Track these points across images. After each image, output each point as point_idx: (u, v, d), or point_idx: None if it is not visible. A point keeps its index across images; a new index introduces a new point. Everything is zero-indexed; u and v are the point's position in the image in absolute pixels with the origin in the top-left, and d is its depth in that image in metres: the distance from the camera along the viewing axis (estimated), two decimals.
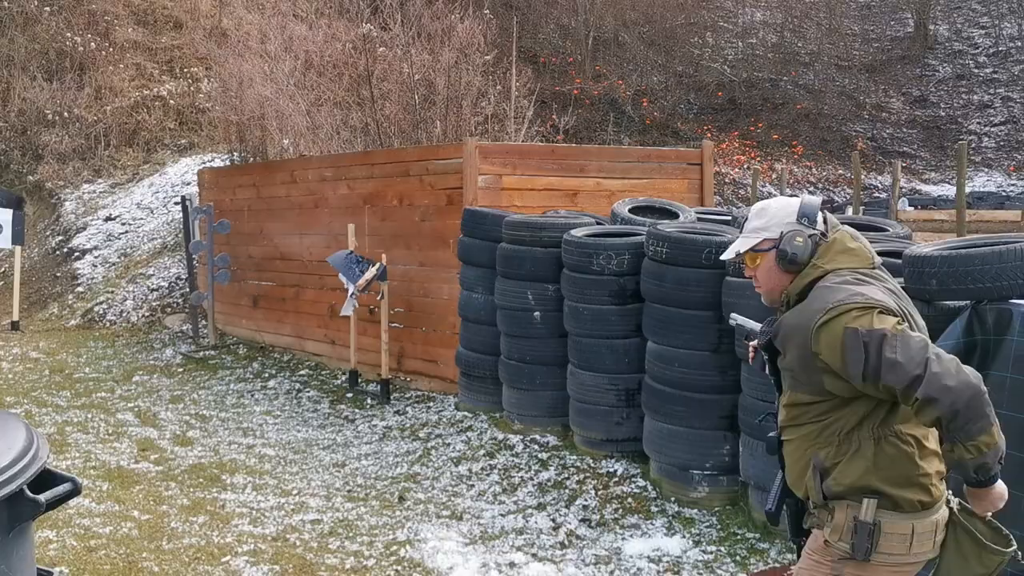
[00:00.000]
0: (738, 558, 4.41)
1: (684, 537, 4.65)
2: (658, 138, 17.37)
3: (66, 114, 14.49)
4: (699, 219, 6.22)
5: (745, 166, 16.23)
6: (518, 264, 5.95)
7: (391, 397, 7.27)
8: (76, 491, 1.46)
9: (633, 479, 5.24)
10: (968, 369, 2.13)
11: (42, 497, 1.38)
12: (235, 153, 11.76)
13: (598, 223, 6.22)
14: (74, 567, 4.17)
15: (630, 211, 6.32)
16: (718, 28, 21.59)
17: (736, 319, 2.85)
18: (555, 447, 5.74)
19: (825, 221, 2.34)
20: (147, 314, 10.62)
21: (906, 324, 2.19)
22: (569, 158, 7.63)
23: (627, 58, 19.72)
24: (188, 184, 12.95)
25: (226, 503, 5.10)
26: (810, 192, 16.17)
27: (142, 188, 13.35)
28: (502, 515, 4.96)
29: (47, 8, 15.50)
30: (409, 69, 8.76)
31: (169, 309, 10.67)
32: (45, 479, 1.41)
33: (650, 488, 5.13)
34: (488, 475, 5.52)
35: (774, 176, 15.40)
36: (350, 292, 7.32)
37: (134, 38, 16.52)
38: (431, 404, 7.01)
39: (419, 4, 11.16)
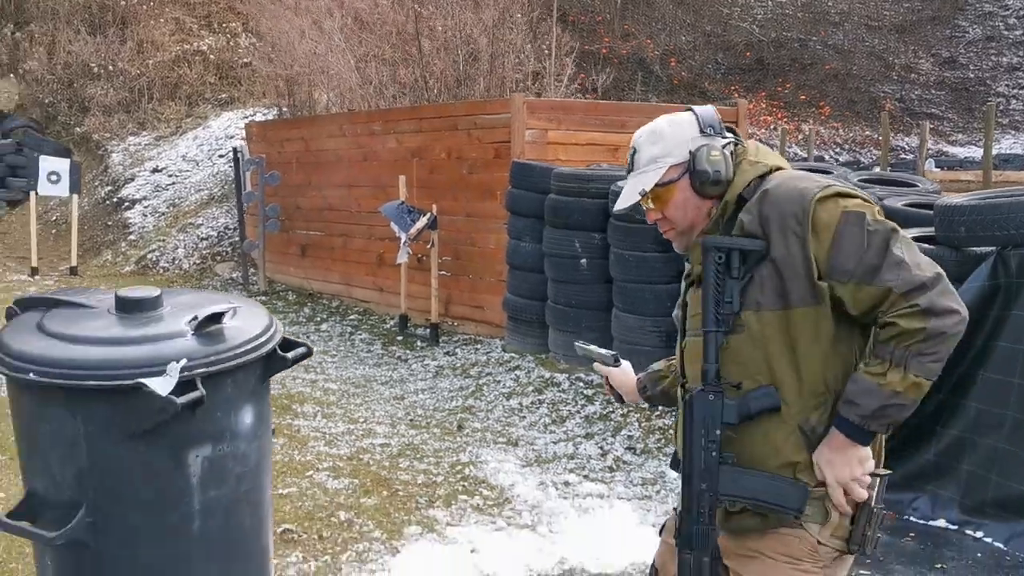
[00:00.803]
0: None
1: None
2: (685, 98, 17.55)
3: (110, 67, 14.88)
4: None
5: (772, 127, 16.43)
6: (566, 214, 6.35)
7: (440, 340, 7.72)
8: (310, 353, 1.89)
9: (672, 413, 5.67)
10: None
11: (289, 355, 1.81)
12: (280, 108, 12.13)
13: None
14: None
15: None
16: None
17: (582, 347, 2.31)
18: (599, 385, 6.17)
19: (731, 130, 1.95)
20: (198, 262, 11.09)
21: None
22: (610, 114, 7.97)
23: (656, 17, 19.84)
24: (231, 137, 13.35)
25: (300, 428, 5.57)
26: (837, 154, 16.41)
27: (186, 141, 13.76)
28: (553, 443, 5.41)
29: None
30: (453, 27, 9.09)
31: (219, 257, 11.14)
32: (286, 344, 1.84)
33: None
34: (538, 408, 5.96)
35: (801, 137, 15.62)
36: (402, 240, 7.73)
37: None
38: (479, 346, 7.46)
39: None
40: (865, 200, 1.78)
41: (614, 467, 5.06)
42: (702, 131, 1.89)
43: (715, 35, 19.67)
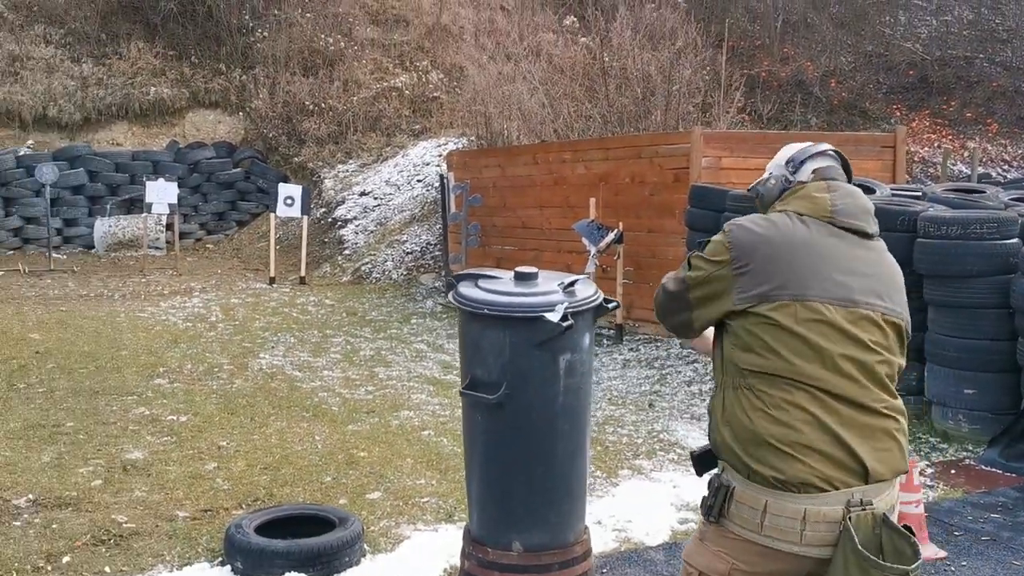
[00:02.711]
0: (922, 453, 5.81)
1: None
2: (845, 118, 18.07)
3: (322, 104, 17.04)
4: (893, 194, 7.51)
5: (936, 145, 16.72)
6: None
7: (624, 339, 8.97)
8: (618, 307, 3.18)
9: (914, 430, 6.59)
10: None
11: (609, 306, 3.10)
12: (471, 137, 13.73)
13: None
14: (434, 431, 6.08)
15: None
16: (911, 6, 21.77)
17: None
18: None
19: (816, 171, 2.33)
20: (404, 273, 12.80)
21: (709, 268, 2.23)
22: (777, 142, 8.99)
23: (816, 39, 20.41)
24: (427, 164, 15.12)
25: None
26: (1004, 171, 16.54)
27: (388, 168, 15.64)
28: None
29: (308, 15, 18.12)
30: (634, 67, 10.37)
31: (422, 269, 12.81)
32: (607, 300, 3.14)
33: (932, 437, 6.47)
34: None
35: (966, 154, 15.91)
36: (592, 253, 9.04)
37: (371, 36, 18.97)
38: (659, 344, 8.66)
39: (635, 3, 12.72)
40: (694, 261, 2.27)
41: None
42: (786, 163, 2.36)
43: (876, 55, 20.02)
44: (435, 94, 17.62)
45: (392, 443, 5.83)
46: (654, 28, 10.45)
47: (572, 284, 3.00)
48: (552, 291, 2.95)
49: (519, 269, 3.08)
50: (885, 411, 2.18)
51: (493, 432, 3.02)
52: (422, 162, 15.21)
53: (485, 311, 2.91)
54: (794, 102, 18.40)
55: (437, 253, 12.76)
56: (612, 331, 9.15)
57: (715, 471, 2.27)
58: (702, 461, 2.33)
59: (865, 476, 2.12)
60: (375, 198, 14.93)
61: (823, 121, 17.60)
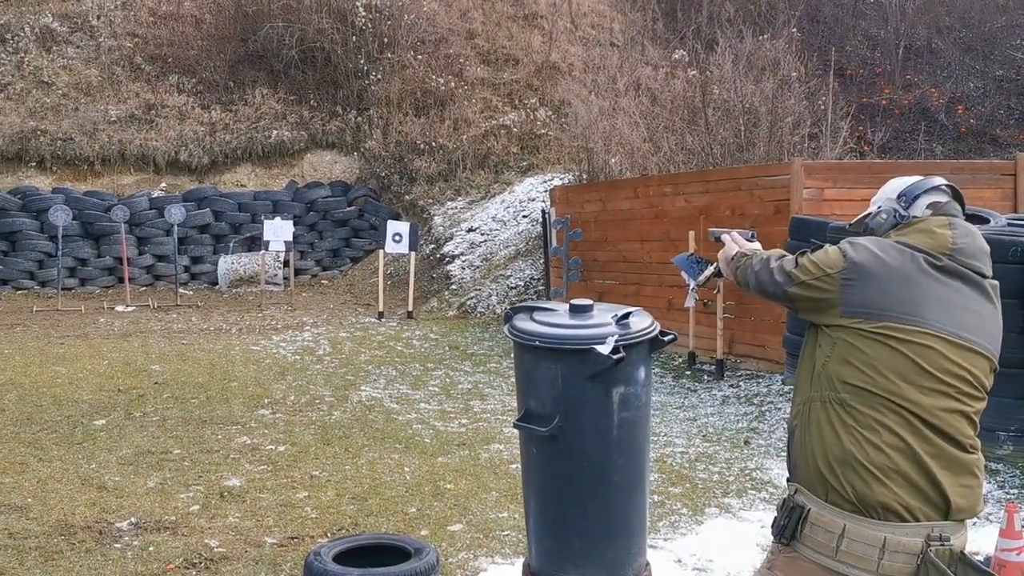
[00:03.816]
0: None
1: (990, 483, 5.73)
2: (974, 146, 17.30)
3: (432, 143, 17.49)
4: (1009, 224, 7.12)
5: None
6: None
7: (725, 374, 8.77)
8: (674, 339, 3.15)
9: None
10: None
11: (665, 339, 3.07)
12: (577, 173, 13.81)
13: None
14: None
15: None
16: None
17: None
18: None
19: (931, 205, 2.33)
20: (508, 307, 12.92)
21: (820, 268, 2.25)
22: (884, 172, 8.70)
23: (940, 65, 19.67)
24: (533, 200, 15.28)
25: None
26: None
27: (495, 204, 15.88)
28: None
29: (420, 57, 18.69)
30: (736, 99, 10.24)
31: (514, 306, 12.90)
32: (662, 333, 3.11)
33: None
34: None
35: None
36: (691, 288, 8.89)
37: (481, 75, 19.39)
38: (760, 380, 8.43)
39: (733, 34, 12.60)
40: (803, 262, 2.34)
41: None
42: (898, 197, 2.39)
43: (1007, 79, 19.15)
44: (542, 131, 17.82)
45: (479, 476, 5.87)
46: (756, 58, 10.30)
47: (626, 316, 2.99)
48: (605, 323, 2.94)
49: (574, 301, 3.08)
50: (972, 448, 2.15)
51: (547, 465, 3.02)
52: (528, 198, 15.38)
53: (537, 343, 2.92)
54: (917, 130, 17.75)
55: (540, 288, 12.83)
56: (713, 367, 8.96)
57: (787, 495, 2.24)
58: None
59: (946, 511, 2.09)
60: (482, 234, 15.17)
61: (949, 149, 16.91)
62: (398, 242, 13.20)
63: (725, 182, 9.42)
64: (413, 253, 13.43)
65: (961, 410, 2.13)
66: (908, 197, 2.35)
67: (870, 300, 2.14)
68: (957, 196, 2.41)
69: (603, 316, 2.99)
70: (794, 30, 14.82)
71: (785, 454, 2.38)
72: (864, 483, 2.06)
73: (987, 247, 2.30)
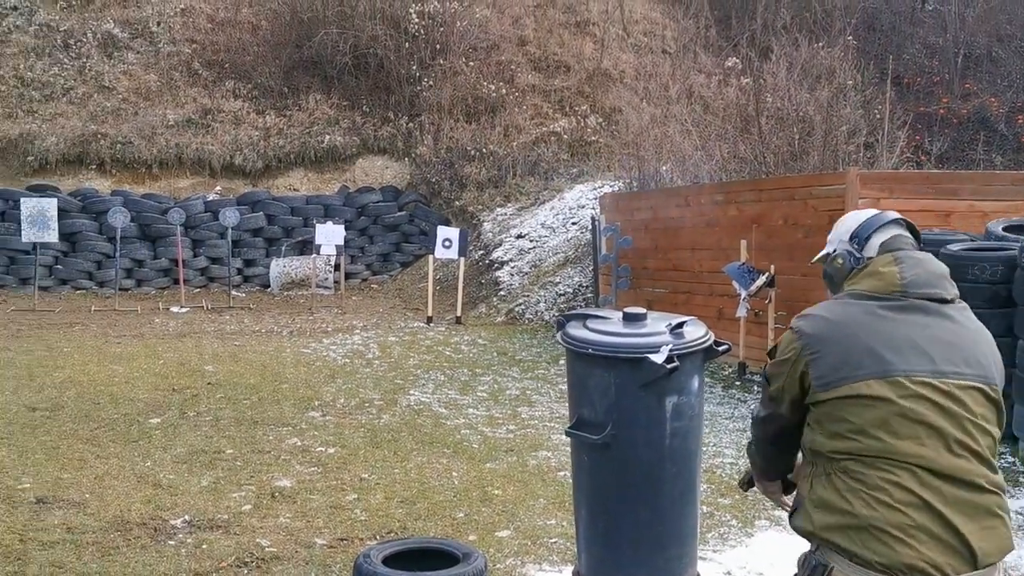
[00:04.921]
0: None
1: None
2: None
3: (483, 150, 17.56)
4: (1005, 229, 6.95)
5: None
6: None
7: None
8: (729, 350, 3.12)
9: (1002, 455, 6.19)
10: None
11: (720, 348, 3.05)
12: (628, 180, 13.76)
13: (971, 240, 7.17)
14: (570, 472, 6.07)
15: (1004, 229, 7.19)
16: None
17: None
18: None
19: (883, 243, 2.29)
20: (556, 314, 12.90)
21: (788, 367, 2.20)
22: (942, 183, 8.54)
23: (1000, 74, 19.25)
24: (582, 207, 15.25)
25: None
26: None
27: (544, 211, 15.89)
28: None
29: (472, 63, 18.81)
30: (790, 107, 10.13)
31: (567, 312, 12.87)
32: (716, 343, 3.09)
33: (1018, 464, 6.07)
34: None
35: None
36: (742, 297, 8.82)
37: (532, 82, 19.44)
38: None
39: (788, 42, 12.46)
40: (769, 372, 2.31)
41: None
42: (851, 238, 2.34)
43: None
44: (593, 138, 17.80)
45: (527, 482, 5.87)
46: (811, 67, 10.18)
47: (680, 325, 2.97)
48: (659, 332, 2.92)
49: (628, 309, 3.07)
50: (989, 487, 2.06)
51: (599, 473, 3.01)
52: (577, 205, 15.36)
53: (590, 351, 2.92)
54: (976, 140, 17.37)
55: (589, 295, 12.80)
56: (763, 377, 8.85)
57: (807, 548, 2.17)
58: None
59: (973, 561, 2.02)
60: (531, 240, 15.18)
61: (1009, 160, 16.54)
62: (448, 247, 13.27)
63: (778, 191, 9.31)
64: (462, 259, 13.49)
65: (966, 449, 2.04)
66: (860, 238, 2.31)
67: (836, 366, 2.09)
68: (911, 228, 2.36)
69: (657, 325, 2.98)
70: (850, 38, 14.61)
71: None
72: (886, 546, 1.99)
73: (944, 270, 2.23)
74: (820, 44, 12.88)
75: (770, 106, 10.58)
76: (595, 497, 3.05)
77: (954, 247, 6.71)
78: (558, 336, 3.13)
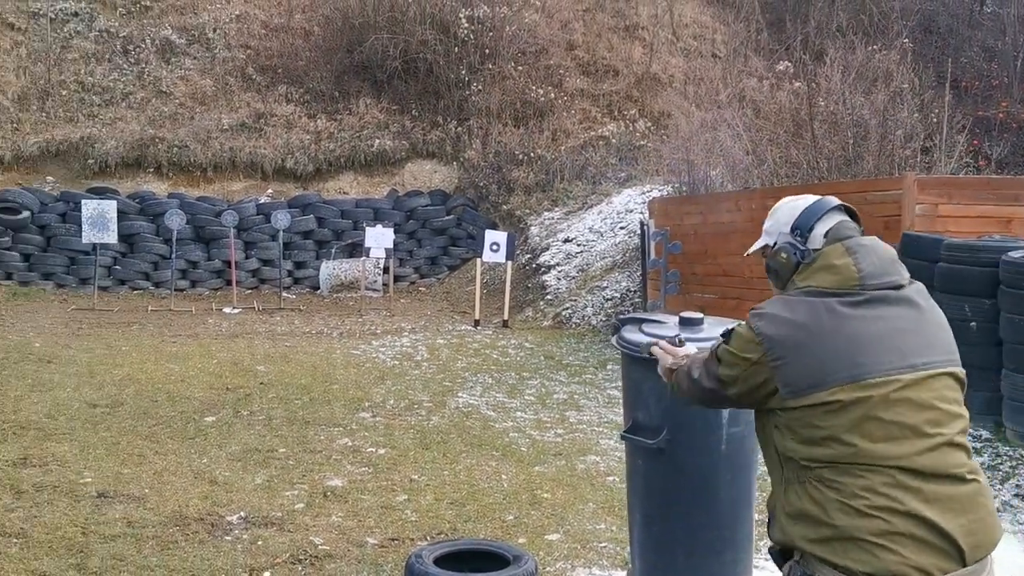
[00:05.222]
0: None
1: None
2: None
3: (531, 154, 17.60)
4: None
5: None
6: (957, 281, 6.97)
7: None
8: None
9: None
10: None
11: None
12: (677, 185, 13.69)
13: None
14: (619, 477, 6.06)
15: None
16: None
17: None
18: (988, 439, 6.67)
19: (828, 232, 2.21)
20: (604, 319, 12.88)
21: (746, 360, 2.12)
22: (1003, 188, 8.36)
23: None
24: (631, 212, 15.20)
25: None
26: None
27: (592, 215, 15.86)
28: None
29: (521, 68, 18.86)
30: (844, 111, 9.99)
31: (622, 315, 12.83)
32: None
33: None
34: None
35: None
36: None
37: (581, 86, 19.43)
38: None
39: (843, 45, 12.31)
40: (723, 356, 2.21)
41: (1000, 508, 5.62)
42: (792, 230, 2.25)
43: None
44: (641, 142, 17.73)
45: (576, 487, 5.88)
46: (867, 70, 10.04)
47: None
48: (715, 337, 2.91)
49: (684, 314, 3.07)
50: (968, 477, 2.01)
51: (654, 477, 3.01)
52: (625, 209, 15.31)
53: (646, 355, 2.92)
54: None
55: (637, 300, 12.75)
56: None
57: (791, 560, 2.10)
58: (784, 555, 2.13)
59: (961, 558, 1.96)
60: (578, 245, 15.17)
61: None
62: (495, 251, 13.31)
63: (831, 196, 9.18)
64: (510, 262, 13.53)
65: (941, 443, 1.99)
66: (803, 228, 2.21)
67: (804, 373, 2.01)
68: (851, 213, 2.27)
69: (713, 329, 2.97)
70: (906, 40, 14.37)
71: None
72: (869, 554, 1.92)
73: (894, 253, 2.17)
74: (876, 47, 12.70)
75: (823, 110, 10.45)
76: (650, 502, 3.06)
77: (1015, 254, 6.57)
78: (613, 340, 3.14)
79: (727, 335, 2.20)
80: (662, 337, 3.00)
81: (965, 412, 2.08)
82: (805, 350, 2.02)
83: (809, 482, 2.01)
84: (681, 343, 2.55)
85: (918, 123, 10.69)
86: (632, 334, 3.06)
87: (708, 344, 2.46)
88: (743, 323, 2.16)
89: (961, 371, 2.10)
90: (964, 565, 1.96)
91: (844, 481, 1.97)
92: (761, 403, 2.11)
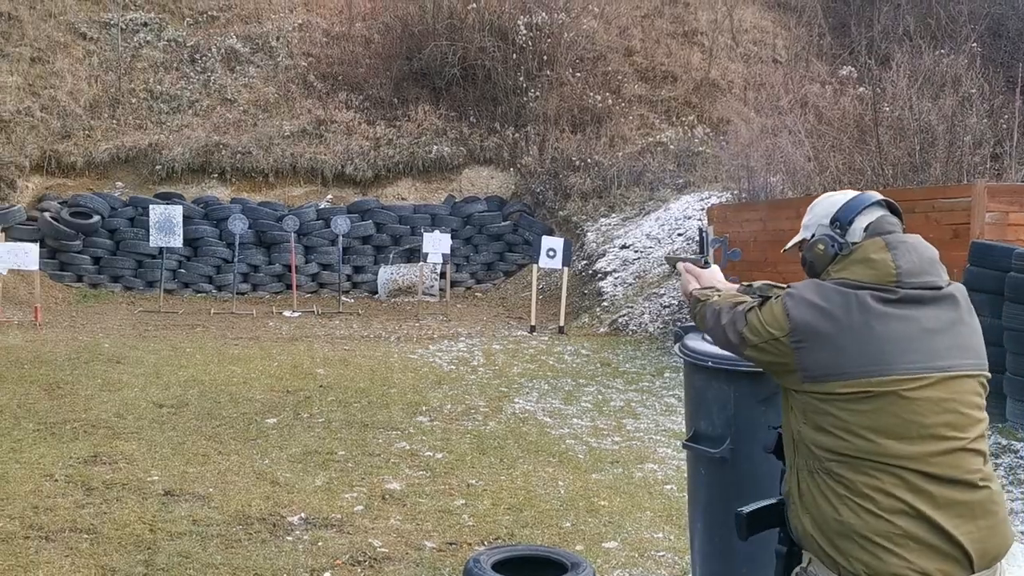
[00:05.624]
0: None
1: None
2: None
3: (588, 160, 17.57)
4: None
5: None
6: None
7: None
8: None
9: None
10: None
11: None
12: (736, 192, 13.55)
13: None
14: (677, 486, 6.02)
15: None
16: None
17: (671, 256, 3.02)
18: None
19: (868, 227, 2.17)
20: (661, 326, 12.79)
21: (776, 330, 2.09)
22: None
23: None
24: (688, 218, 15.08)
25: None
26: None
27: (649, 221, 15.78)
28: (1011, 500, 5.90)
29: (578, 74, 18.86)
30: (911, 117, 9.79)
31: (679, 323, 12.72)
32: None
33: None
34: (995, 469, 6.44)
35: None
36: None
37: (639, 92, 19.36)
38: None
39: (909, 49, 12.05)
40: (751, 319, 2.17)
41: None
42: (831, 223, 2.19)
43: None
44: (700, 148, 17.59)
45: (633, 495, 5.84)
46: (934, 75, 9.82)
47: None
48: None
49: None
50: (981, 483, 1.96)
51: (716, 486, 2.99)
52: (683, 216, 15.19)
53: (710, 363, 2.90)
54: None
55: None
56: None
57: (800, 566, 2.08)
58: (752, 521, 2.16)
59: (970, 564, 1.92)
60: (635, 251, 15.10)
61: None
62: (552, 257, 13.31)
63: (898, 204, 9.00)
64: (566, 268, 13.52)
65: (958, 447, 1.95)
66: (842, 221, 2.16)
67: (826, 361, 1.98)
68: (892, 208, 2.23)
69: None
70: (974, 44, 14.04)
71: None
72: (873, 556, 1.90)
73: (935, 253, 2.13)
74: (943, 51, 12.41)
75: (889, 116, 10.24)
76: (712, 511, 3.03)
77: None
78: (675, 348, 3.13)
79: (763, 299, 2.18)
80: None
81: (985, 416, 2.04)
82: (828, 339, 2.00)
83: (818, 472, 2.00)
84: (707, 264, 2.54)
85: (987, 129, 10.41)
86: (695, 342, 3.04)
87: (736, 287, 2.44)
88: (779, 296, 2.14)
89: (988, 377, 2.07)
90: (972, 572, 1.92)
91: (853, 478, 1.95)
92: (779, 377, 2.12)
